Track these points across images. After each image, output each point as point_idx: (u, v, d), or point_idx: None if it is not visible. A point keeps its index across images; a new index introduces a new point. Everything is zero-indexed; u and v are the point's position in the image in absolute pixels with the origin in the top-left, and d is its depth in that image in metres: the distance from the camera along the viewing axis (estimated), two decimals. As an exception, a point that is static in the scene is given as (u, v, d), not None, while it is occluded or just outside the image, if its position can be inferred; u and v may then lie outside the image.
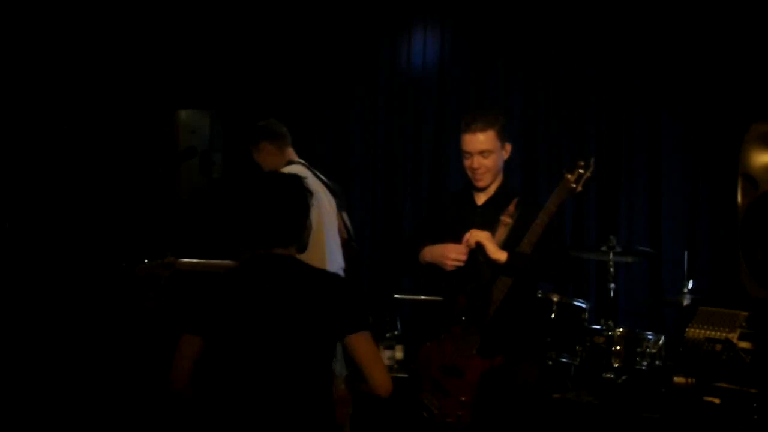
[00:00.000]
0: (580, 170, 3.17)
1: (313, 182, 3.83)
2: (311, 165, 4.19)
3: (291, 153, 4.19)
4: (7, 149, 5.21)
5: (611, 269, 4.60)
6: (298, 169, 3.98)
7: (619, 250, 4.62)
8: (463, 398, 3.07)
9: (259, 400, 2.40)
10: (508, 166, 3.42)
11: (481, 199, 3.31)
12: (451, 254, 3.20)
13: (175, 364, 2.47)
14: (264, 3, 5.93)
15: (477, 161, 3.20)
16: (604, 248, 4.64)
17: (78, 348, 4.84)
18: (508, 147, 3.28)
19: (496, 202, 3.26)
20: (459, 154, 3.32)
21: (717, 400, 3.33)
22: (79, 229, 5.30)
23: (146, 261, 4.13)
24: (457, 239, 3.23)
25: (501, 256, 3.08)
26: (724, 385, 3.33)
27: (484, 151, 3.19)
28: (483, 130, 3.18)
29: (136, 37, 5.60)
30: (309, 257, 3.74)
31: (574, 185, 3.16)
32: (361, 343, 2.47)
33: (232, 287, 2.49)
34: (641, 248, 4.88)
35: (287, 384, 2.41)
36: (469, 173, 3.27)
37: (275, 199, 2.51)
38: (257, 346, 2.41)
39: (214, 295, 2.48)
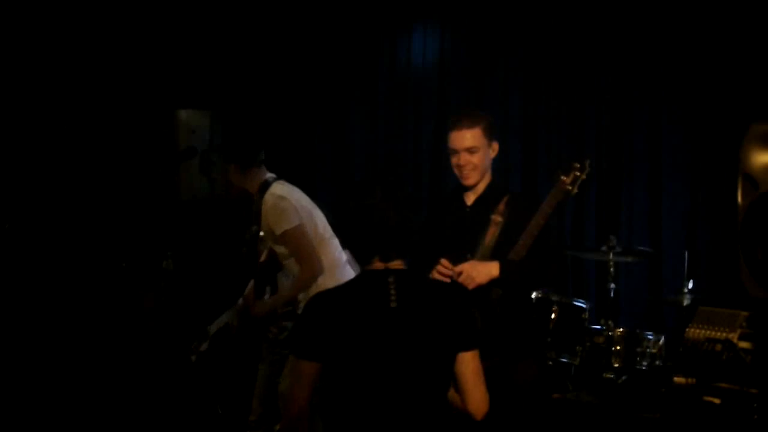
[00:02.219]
0: (575, 172, 3.16)
1: (301, 196, 3.79)
2: (314, 167, 4.11)
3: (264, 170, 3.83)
4: (7, 149, 5.21)
5: (611, 269, 4.59)
6: (283, 187, 3.76)
7: (619, 250, 4.61)
8: None
9: (387, 422, 2.26)
10: (508, 166, 3.41)
11: (470, 198, 3.31)
12: (439, 270, 3.14)
13: (293, 393, 2.30)
14: (264, 3, 5.93)
15: (464, 158, 3.21)
16: (604, 248, 4.63)
17: (78, 348, 4.84)
18: (495, 146, 3.27)
19: (486, 201, 3.25)
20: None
21: (717, 400, 3.33)
22: (79, 229, 5.30)
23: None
24: (451, 241, 3.24)
25: (494, 272, 3.07)
26: (725, 385, 3.34)
27: (471, 147, 3.19)
28: (470, 127, 3.19)
29: (135, 37, 5.60)
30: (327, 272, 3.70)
31: (570, 187, 3.16)
32: (472, 360, 2.38)
33: (350, 306, 2.30)
34: (641, 248, 4.87)
35: (416, 406, 2.28)
36: (456, 171, 3.27)
37: (404, 207, 2.36)
38: (384, 368, 2.26)
39: (331, 315, 2.28)
